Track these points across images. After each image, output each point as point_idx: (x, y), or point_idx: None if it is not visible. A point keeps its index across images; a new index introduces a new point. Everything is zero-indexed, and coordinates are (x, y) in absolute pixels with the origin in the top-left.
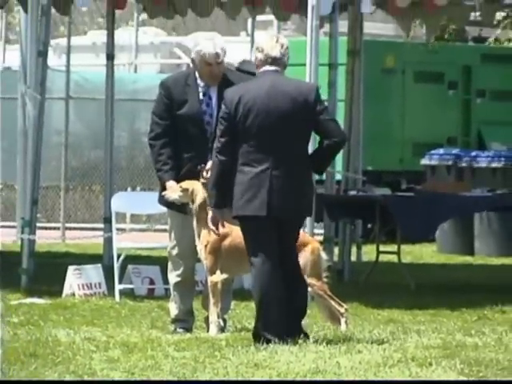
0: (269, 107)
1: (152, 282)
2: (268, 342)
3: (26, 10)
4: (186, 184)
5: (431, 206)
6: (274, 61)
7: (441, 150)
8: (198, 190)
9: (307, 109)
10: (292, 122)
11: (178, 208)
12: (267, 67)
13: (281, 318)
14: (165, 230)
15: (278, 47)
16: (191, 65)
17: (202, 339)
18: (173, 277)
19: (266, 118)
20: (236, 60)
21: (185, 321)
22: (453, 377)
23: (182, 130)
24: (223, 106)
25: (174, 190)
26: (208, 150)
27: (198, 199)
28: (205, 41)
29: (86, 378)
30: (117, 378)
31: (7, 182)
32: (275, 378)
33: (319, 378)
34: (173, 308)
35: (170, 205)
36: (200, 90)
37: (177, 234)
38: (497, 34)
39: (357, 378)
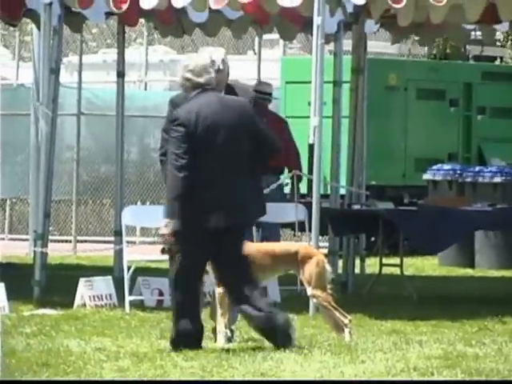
0: (224, 122)
1: (161, 294)
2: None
3: (38, 28)
4: None
5: (434, 219)
6: (206, 83)
7: (443, 166)
8: None
9: (250, 121)
10: (241, 134)
11: None
12: (202, 88)
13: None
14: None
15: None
16: None
17: (210, 349)
18: None
19: (224, 132)
20: (243, 78)
21: None
22: None
23: None
24: (179, 127)
25: None
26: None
27: None
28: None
29: None
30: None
31: (20, 196)
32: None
33: None
34: None
35: None
36: None
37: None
38: (503, 53)
39: None
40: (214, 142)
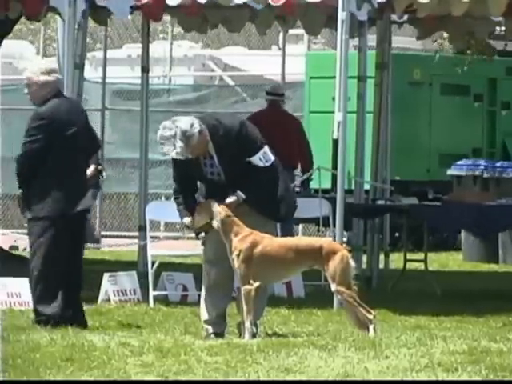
0: (75, 119)
1: (185, 289)
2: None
3: (64, 21)
4: (200, 206)
5: (457, 214)
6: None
7: (467, 161)
8: (213, 206)
9: (87, 119)
10: (84, 130)
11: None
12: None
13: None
14: (197, 238)
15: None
16: (224, 77)
17: (234, 344)
18: (204, 280)
19: (75, 127)
20: (267, 72)
21: (216, 323)
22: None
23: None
24: (41, 121)
25: (194, 216)
26: (222, 191)
27: (217, 215)
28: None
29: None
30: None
31: None
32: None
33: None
34: (202, 310)
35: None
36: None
37: (205, 242)
38: None
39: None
40: (69, 135)
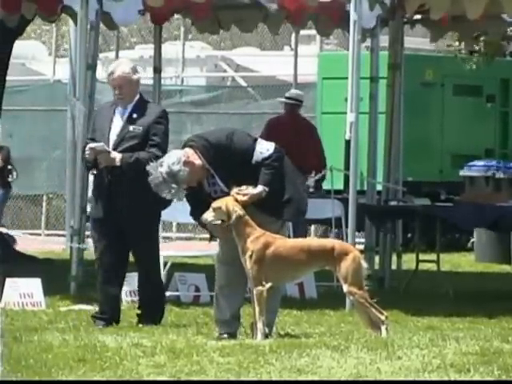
0: None
1: (197, 289)
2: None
3: (76, 23)
4: (217, 202)
5: (470, 215)
6: None
7: (480, 162)
8: (230, 204)
9: None
10: None
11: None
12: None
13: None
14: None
15: None
16: (236, 78)
17: (246, 345)
18: (217, 281)
19: None
20: (279, 73)
21: (229, 324)
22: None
23: None
24: (166, 121)
25: (208, 212)
26: None
27: (233, 214)
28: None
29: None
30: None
31: (57, 191)
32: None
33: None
34: (215, 311)
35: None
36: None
37: (220, 241)
38: None
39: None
40: None
